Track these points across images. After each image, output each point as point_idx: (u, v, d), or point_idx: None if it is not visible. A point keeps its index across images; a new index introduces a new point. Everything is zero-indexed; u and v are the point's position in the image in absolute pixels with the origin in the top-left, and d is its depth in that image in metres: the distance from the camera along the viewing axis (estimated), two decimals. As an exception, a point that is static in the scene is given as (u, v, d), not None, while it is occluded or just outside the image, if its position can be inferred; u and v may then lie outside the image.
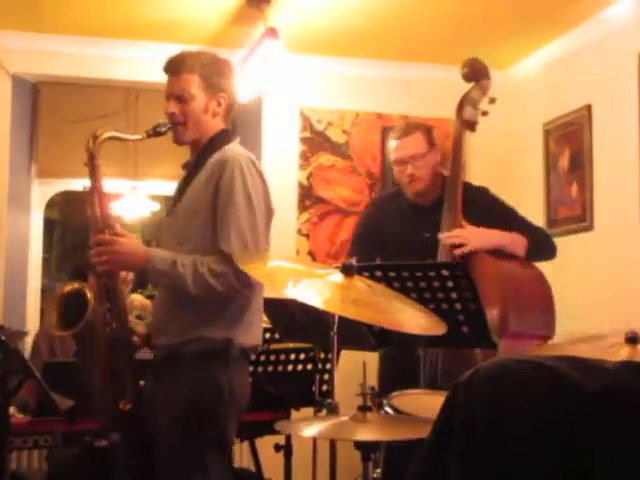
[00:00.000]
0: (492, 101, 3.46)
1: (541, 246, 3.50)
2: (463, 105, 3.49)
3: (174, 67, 2.76)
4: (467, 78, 3.51)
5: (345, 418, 2.29)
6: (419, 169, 3.54)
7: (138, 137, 2.78)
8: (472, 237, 3.30)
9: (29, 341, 4.72)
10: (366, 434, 2.22)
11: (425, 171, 3.55)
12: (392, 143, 3.63)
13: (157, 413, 2.63)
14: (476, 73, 3.51)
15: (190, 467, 2.57)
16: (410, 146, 3.55)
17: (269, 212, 2.72)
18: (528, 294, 3.28)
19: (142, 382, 2.73)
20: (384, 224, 3.67)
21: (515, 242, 3.41)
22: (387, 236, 3.61)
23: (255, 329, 2.73)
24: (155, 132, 2.72)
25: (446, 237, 3.31)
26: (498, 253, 3.37)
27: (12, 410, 3.28)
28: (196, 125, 2.74)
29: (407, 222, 3.60)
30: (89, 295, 2.60)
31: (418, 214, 3.59)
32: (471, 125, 3.49)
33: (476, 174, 4.96)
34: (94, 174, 2.68)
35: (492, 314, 3.13)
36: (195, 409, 2.57)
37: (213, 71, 2.76)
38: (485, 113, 3.49)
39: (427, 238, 3.41)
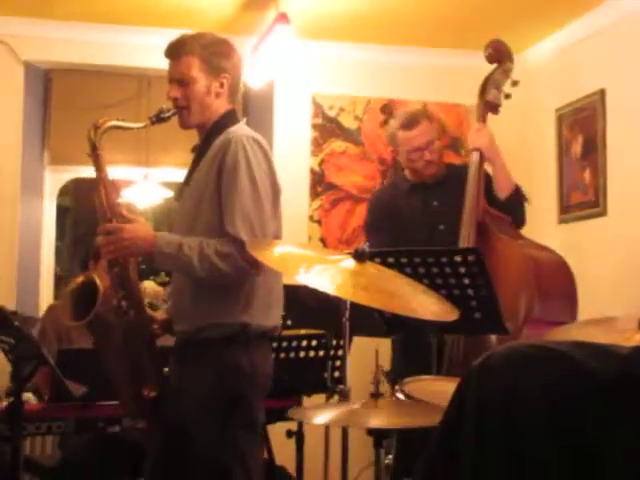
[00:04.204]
0: (515, 84, 3.52)
1: (520, 206, 3.58)
2: (486, 87, 3.53)
3: (174, 51, 2.76)
4: (491, 59, 3.56)
5: (357, 405, 2.29)
6: (433, 153, 3.69)
7: (141, 125, 2.75)
8: (487, 140, 3.49)
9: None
10: (378, 421, 2.22)
11: (438, 154, 3.73)
12: (404, 134, 3.70)
13: (182, 399, 2.63)
14: (500, 55, 3.55)
15: (222, 450, 2.58)
16: (423, 133, 3.69)
17: (275, 191, 2.70)
18: (551, 280, 3.28)
19: (166, 369, 2.73)
20: (390, 202, 3.83)
21: (508, 179, 3.55)
22: (399, 212, 3.75)
23: (273, 310, 2.72)
24: (159, 118, 2.71)
25: (475, 129, 3.53)
26: (519, 235, 3.39)
27: (26, 396, 3.30)
28: (200, 108, 2.73)
29: (412, 197, 3.77)
30: (99, 284, 2.60)
31: (423, 189, 3.76)
32: (494, 107, 3.55)
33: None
34: (98, 164, 2.67)
35: (514, 300, 3.13)
36: (220, 392, 2.58)
37: (213, 52, 2.74)
38: (508, 96, 3.54)
39: (436, 206, 3.69)
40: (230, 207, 2.57)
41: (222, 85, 2.75)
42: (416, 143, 3.67)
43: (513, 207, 3.51)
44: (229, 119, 2.76)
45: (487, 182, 3.52)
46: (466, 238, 3.33)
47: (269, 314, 2.69)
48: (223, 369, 2.59)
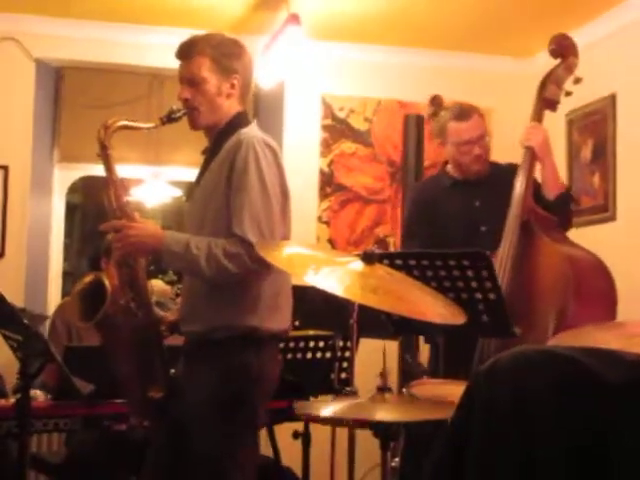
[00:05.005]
0: (577, 81, 3.37)
1: (567, 208, 3.49)
2: (546, 83, 3.40)
3: (184, 51, 2.75)
4: (554, 54, 3.42)
5: (363, 400, 2.29)
6: (483, 148, 3.61)
7: (152, 125, 2.75)
8: (541, 139, 3.37)
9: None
10: (385, 414, 2.22)
11: (487, 150, 3.66)
12: (456, 125, 3.59)
13: (187, 398, 2.64)
14: (563, 49, 3.42)
15: (220, 450, 2.58)
16: (475, 127, 3.59)
17: (284, 194, 2.69)
18: (589, 286, 3.17)
19: (173, 370, 2.73)
20: (434, 198, 3.73)
21: (557, 180, 3.47)
22: (439, 209, 3.68)
23: (283, 312, 2.71)
24: (169, 119, 2.70)
25: (528, 126, 3.40)
26: (563, 238, 3.33)
27: (33, 393, 3.30)
28: (211, 109, 2.72)
29: (454, 195, 3.68)
30: (107, 285, 2.60)
31: (465, 187, 3.67)
32: (552, 105, 3.42)
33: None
34: (107, 165, 2.67)
35: (547, 304, 3.09)
36: (224, 393, 2.58)
37: (223, 53, 2.73)
38: (569, 93, 3.40)
39: (478, 207, 3.61)
40: (239, 208, 2.57)
41: (233, 86, 2.75)
42: (467, 136, 3.57)
43: (561, 209, 3.42)
44: (241, 121, 2.76)
45: (535, 182, 3.42)
46: (509, 237, 3.26)
47: (277, 317, 2.68)
48: (230, 370, 2.59)
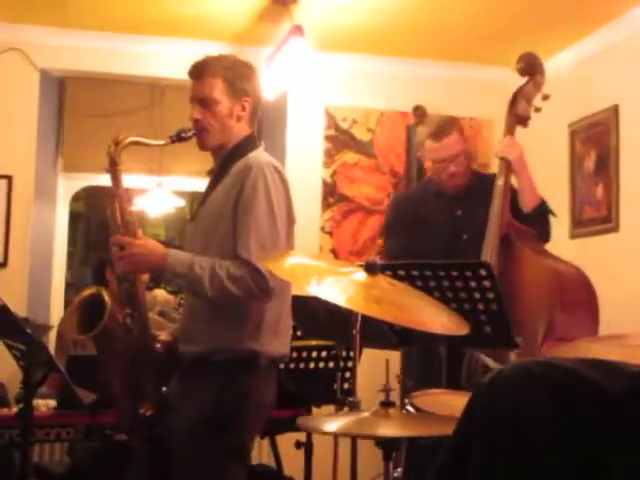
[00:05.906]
0: (546, 97, 3.48)
1: (545, 220, 3.56)
2: (517, 99, 3.52)
3: (197, 71, 2.75)
4: (522, 72, 3.55)
5: (367, 414, 2.29)
6: (459, 165, 3.67)
7: (161, 142, 2.75)
8: (518, 153, 3.49)
9: (54, 330, 4.77)
10: (388, 430, 2.22)
11: (463, 167, 3.70)
12: (431, 144, 3.66)
13: (179, 415, 2.63)
14: (531, 68, 3.54)
15: (205, 471, 2.58)
16: (451, 146, 3.65)
17: (290, 220, 2.70)
18: (573, 296, 3.24)
19: (165, 389, 2.71)
20: (414, 206, 3.82)
21: (534, 192, 3.54)
22: (422, 214, 3.74)
23: (283, 338, 2.71)
24: (179, 138, 2.70)
25: (503, 140, 3.51)
26: (543, 250, 3.37)
27: (35, 403, 3.31)
28: (221, 130, 2.72)
29: (437, 204, 3.75)
30: (107, 299, 2.61)
31: (447, 198, 3.73)
32: (523, 120, 3.54)
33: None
34: (115, 180, 2.67)
35: (535, 314, 3.11)
36: (219, 414, 2.57)
37: (236, 75, 2.73)
38: (538, 109, 3.52)
39: (459, 215, 3.68)
40: (245, 231, 2.57)
41: (244, 108, 2.75)
42: (442, 155, 3.64)
43: (538, 221, 3.49)
44: (249, 143, 2.75)
45: (512, 195, 3.49)
46: (490, 250, 3.29)
47: (278, 341, 2.68)
48: (227, 393, 2.58)
